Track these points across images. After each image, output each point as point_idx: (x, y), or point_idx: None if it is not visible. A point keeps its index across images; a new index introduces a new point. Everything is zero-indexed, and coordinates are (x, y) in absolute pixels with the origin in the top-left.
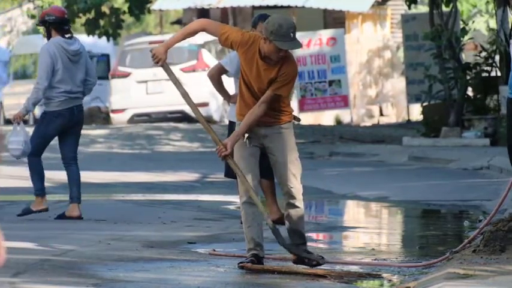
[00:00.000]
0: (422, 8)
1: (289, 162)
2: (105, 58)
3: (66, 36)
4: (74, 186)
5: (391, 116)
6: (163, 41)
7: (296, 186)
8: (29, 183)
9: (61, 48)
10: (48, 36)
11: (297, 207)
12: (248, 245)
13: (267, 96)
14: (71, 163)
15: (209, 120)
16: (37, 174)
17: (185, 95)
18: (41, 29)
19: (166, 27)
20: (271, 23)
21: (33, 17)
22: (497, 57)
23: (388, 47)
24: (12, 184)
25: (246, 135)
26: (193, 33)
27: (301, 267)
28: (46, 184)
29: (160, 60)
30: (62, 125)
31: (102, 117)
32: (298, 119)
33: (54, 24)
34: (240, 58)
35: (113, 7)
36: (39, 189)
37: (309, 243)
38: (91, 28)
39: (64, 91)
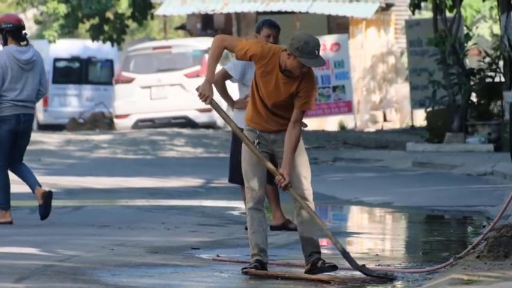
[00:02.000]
0: (426, 14)
1: (300, 165)
2: (109, 63)
3: (22, 43)
4: (28, 175)
5: (395, 122)
6: (168, 46)
7: (308, 188)
8: (28, 188)
9: (12, 57)
10: (5, 43)
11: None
12: (252, 250)
13: (297, 115)
14: (16, 166)
15: (213, 126)
16: (1, 186)
17: (236, 129)
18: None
19: (170, 33)
20: (297, 40)
21: (39, 23)
22: (501, 63)
23: (392, 53)
24: (13, 189)
25: (256, 141)
26: (220, 55)
27: (305, 274)
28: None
29: (208, 98)
30: (9, 130)
31: (106, 122)
32: (305, 125)
33: (11, 32)
34: (256, 71)
35: (117, 13)
36: (2, 202)
37: None
38: (95, 33)
39: (10, 99)
